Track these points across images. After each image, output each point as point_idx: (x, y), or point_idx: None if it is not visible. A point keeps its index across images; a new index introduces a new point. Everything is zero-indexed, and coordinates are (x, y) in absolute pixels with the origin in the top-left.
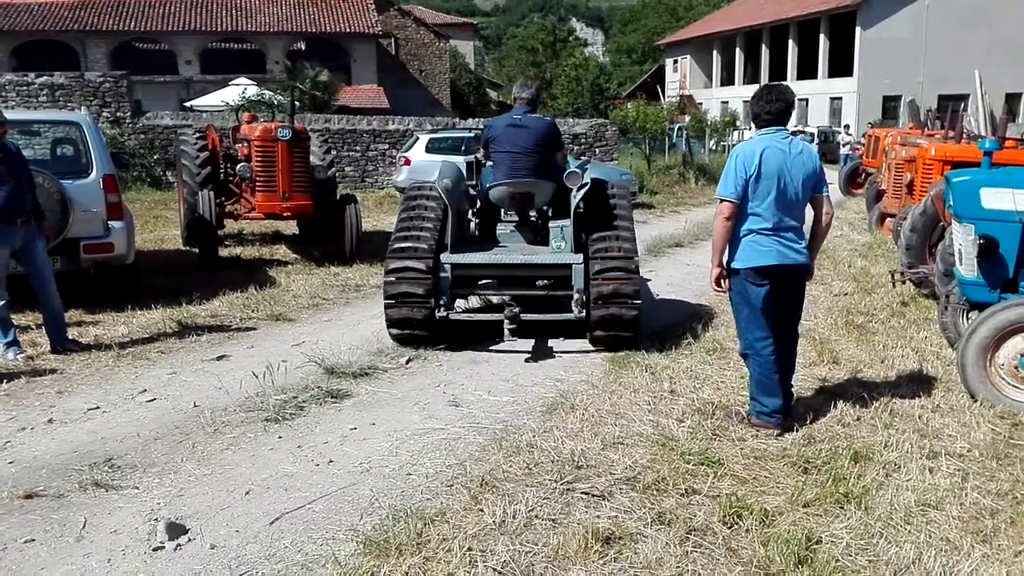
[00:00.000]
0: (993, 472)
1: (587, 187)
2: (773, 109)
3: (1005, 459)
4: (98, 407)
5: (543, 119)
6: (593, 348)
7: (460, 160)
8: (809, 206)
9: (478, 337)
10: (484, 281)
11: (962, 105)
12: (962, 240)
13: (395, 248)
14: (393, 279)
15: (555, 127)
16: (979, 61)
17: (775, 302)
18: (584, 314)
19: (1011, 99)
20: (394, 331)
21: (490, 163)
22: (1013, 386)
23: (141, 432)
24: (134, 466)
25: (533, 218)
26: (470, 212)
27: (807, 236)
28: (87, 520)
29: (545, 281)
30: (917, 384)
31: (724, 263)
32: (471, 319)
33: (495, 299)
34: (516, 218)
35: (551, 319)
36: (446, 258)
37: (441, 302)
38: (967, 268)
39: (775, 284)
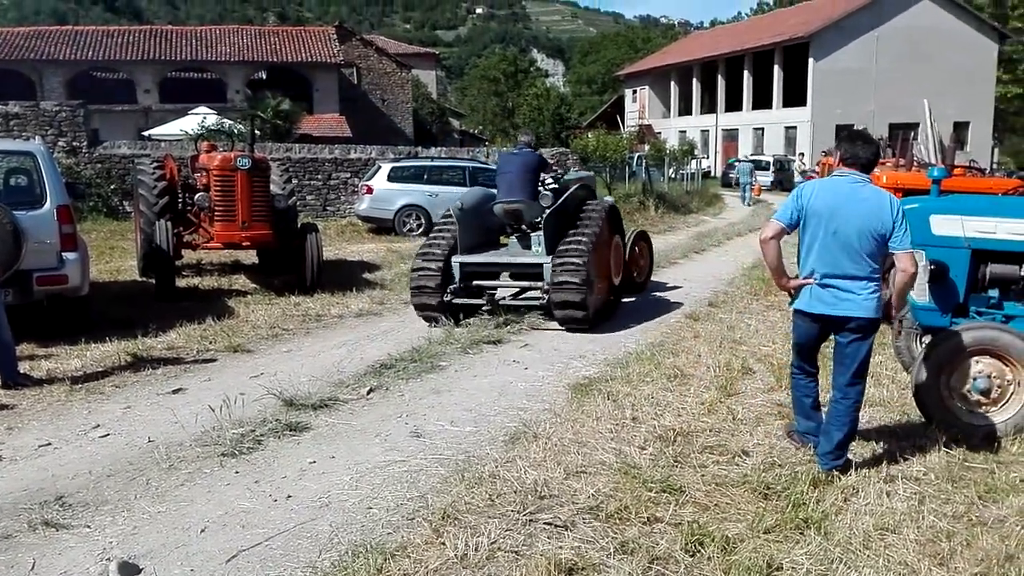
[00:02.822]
0: (949, 495)
1: (553, 207)
2: (862, 154)
3: (960, 482)
4: (49, 443)
5: (533, 152)
6: (562, 327)
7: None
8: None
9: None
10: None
11: (912, 134)
12: None
13: (419, 253)
14: (417, 269)
15: (542, 158)
16: (927, 91)
17: (835, 350)
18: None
19: (959, 127)
20: (415, 301)
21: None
22: (966, 409)
23: (93, 469)
24: (86, 504)
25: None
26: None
27: (887, 288)
28: (36, 561)
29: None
30: (873, 408)
31: (789, 279)
32: (465, 303)
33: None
34: (527, 228)
35: (524, 304)
36: (455, 259)
37: (451, 288)
38: (919, 293)
39: (830, 330)
